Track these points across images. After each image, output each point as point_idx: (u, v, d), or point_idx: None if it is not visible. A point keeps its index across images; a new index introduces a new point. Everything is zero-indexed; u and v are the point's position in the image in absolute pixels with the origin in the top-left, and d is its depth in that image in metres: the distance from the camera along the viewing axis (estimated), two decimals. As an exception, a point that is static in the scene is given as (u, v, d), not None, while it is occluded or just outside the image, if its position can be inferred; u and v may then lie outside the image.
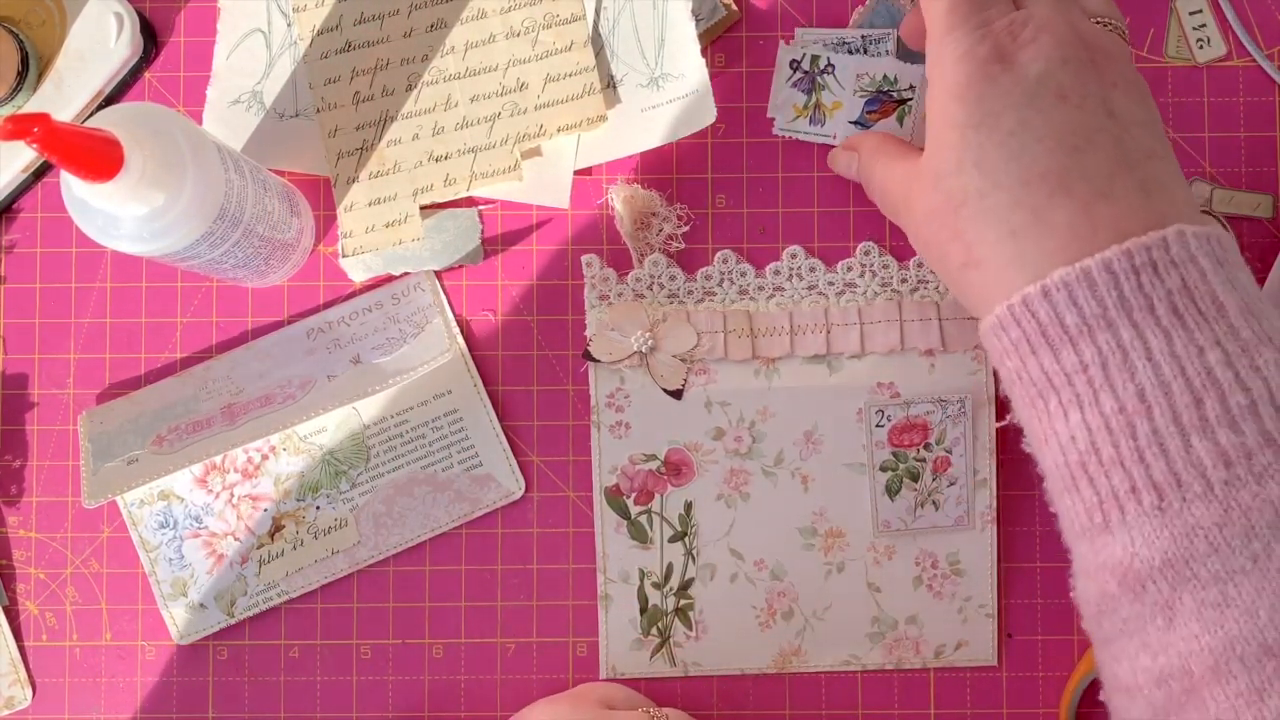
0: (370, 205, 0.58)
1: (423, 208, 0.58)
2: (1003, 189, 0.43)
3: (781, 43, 0.59)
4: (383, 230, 0.58)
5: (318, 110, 0.59)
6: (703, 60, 0.57)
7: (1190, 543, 0.38)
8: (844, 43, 0.58)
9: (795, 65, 0.58)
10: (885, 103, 0.58)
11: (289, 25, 0.59)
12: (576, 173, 0.59)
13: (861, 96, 0.58)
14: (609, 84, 0.58)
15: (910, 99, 0.58)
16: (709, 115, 0.57)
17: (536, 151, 0.59)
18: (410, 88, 0.59)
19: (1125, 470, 0.39)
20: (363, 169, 0.59)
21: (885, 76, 0.57)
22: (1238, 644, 0.37)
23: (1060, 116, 0.43)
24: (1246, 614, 0.37)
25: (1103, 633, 0.42)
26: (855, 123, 0.58)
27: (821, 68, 0.58)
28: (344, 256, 0.58)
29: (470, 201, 0.59)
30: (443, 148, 0.58)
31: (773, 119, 0.59)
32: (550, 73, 0.58)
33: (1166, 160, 0.44)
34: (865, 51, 0.57)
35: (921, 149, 0.48)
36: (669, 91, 0.58)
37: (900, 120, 0.58)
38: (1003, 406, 0.55)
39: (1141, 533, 0.39)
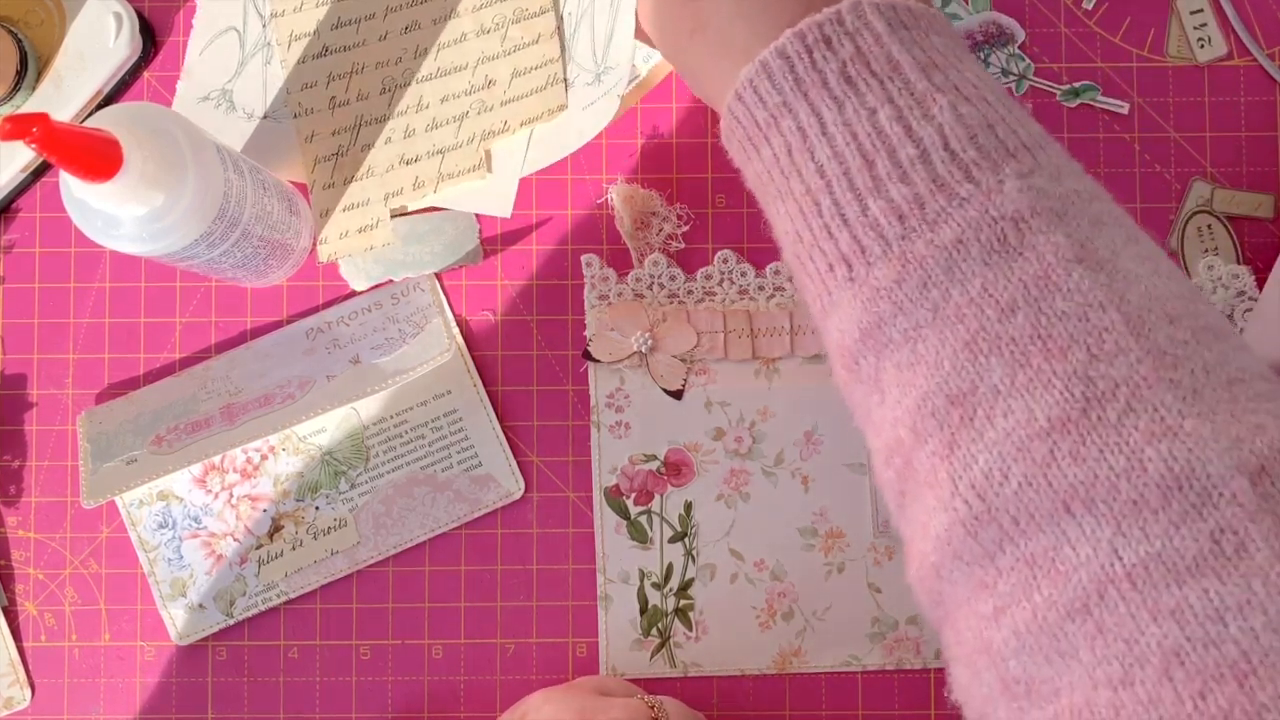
0: (344, 210, 0.58)
1: (393, 213, 0.58)
2: None
3: None
4: (355, 235, 0.58)
5: (294, 115, 0.59)
6: (635, 46, 0.55)
7: (877, 306, 0.37)
8: None
9: None
10: None
11: (264, 26, 0.59)
12: (575, 174, 0.59)
13: None
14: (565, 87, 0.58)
15: None
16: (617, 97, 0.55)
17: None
18: (385, 91, 0.59)
19: (821, 250, 0.38)
20: (338, 174, 0.59)
21: None
22: (928, 400, 0.36)
23: None
24: (932, 367, 0.36)
25: (859, 428, 0.41)
26: None
27: None
28: (320, 261, 0.58)
29: (470, 201, 0.59)
30: (412, 150, 0.58)
31: None
32: (517, 67, 0.58)
33: None
34: None
35: None
36: (607, 84, 0.57)
37: None
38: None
39: (841, 309, 0.38)
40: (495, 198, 0.58)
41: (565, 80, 0.58)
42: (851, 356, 0.38)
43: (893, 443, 0.37)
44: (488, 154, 0.58)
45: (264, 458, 0.59)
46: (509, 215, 0.58)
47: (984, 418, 0.35)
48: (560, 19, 0.58)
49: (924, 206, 0.36)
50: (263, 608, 0.58)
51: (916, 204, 0.37)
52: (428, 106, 0.58)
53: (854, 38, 0.39)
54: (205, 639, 0.59)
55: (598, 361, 0.58)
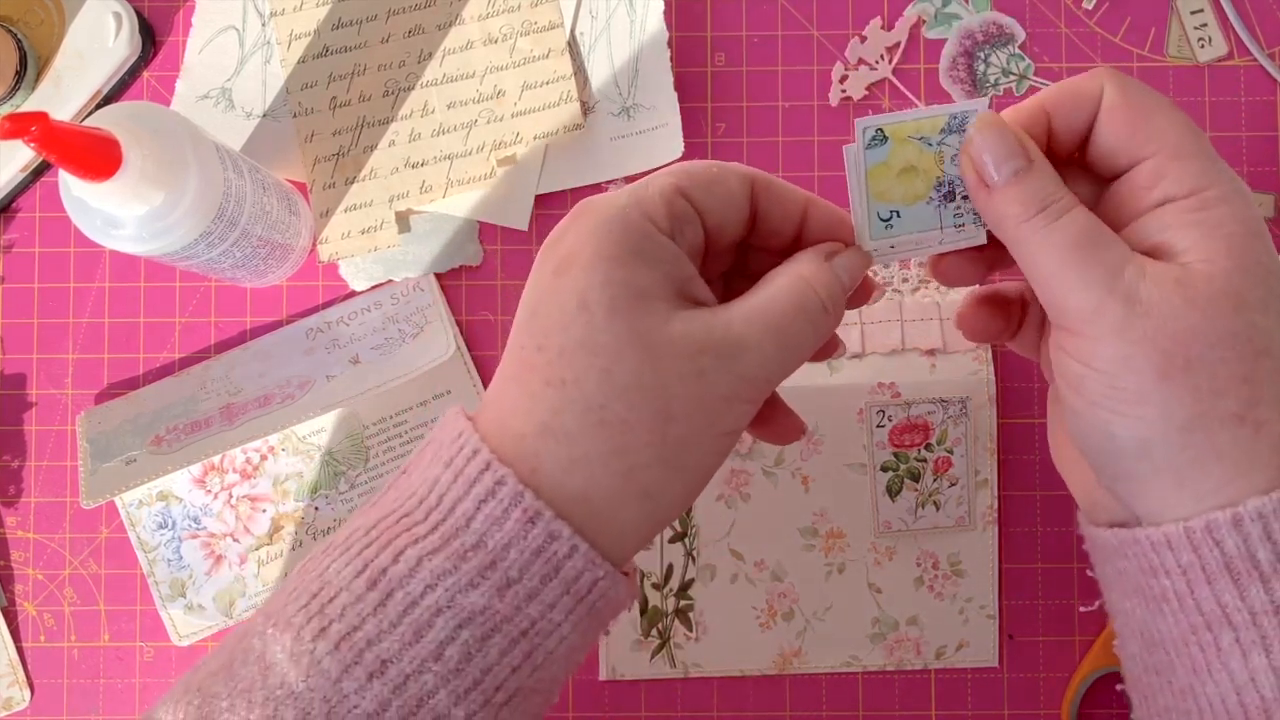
0: (346, 211, 0.58)
1: (398, 215, 0.58)
2: None
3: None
4: (359, 236, 0.58)
5: (294, 115, 0.59)
6: (675, 94, 0.57)
7: None
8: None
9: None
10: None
11: (263, 25, 0.59)
12: (576, 172, 0.59)
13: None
14: (582, 109, 0.58)
15: None
16: (677, 149, 0.57)
17: (512, 160, 0.58)
18: (388, 94, 0.59)
19: None
20: (339, 174, 0.59)
21: None
22: None
23: None
24: None
25: None
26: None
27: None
28: (321, 261, 0.58)
29: (470, 201, 0.59)
30: (419, 155, 0.58)
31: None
32: (527, 80, 0.58)
33: None
34: None
35: None
36: (640, 122, 0.58)
37: None
38: (1092, 589, 0.48)
39: None
40: (512, 209, 0.58)
41: (582, 101, 0.58)
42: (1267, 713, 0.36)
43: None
44: (501, 163, 0.58)
45: (264, 458, 0.59)
46: (525, 228, 0.58)
47: None
48: (574, 38, 0.58)
49: None
50: (262, 608, 0.58)
51: None
52: (434, 112, 0.58)
53: None
54: (205, 639, 0.59)
55: (598, 361, 0.58)
